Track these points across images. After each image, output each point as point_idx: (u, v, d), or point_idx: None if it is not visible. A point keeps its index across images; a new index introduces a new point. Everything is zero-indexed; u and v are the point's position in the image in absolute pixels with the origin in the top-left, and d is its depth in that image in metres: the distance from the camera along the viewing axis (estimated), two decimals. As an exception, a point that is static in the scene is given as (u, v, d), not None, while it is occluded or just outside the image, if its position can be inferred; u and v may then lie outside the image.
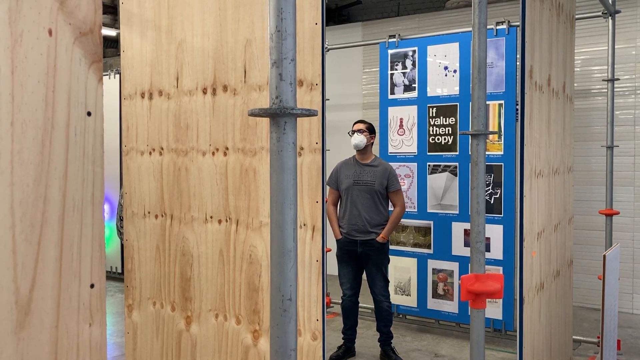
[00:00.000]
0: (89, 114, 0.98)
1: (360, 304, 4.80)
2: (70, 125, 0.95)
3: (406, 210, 5.47)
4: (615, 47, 5.02)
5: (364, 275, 4.70)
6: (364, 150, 4.57)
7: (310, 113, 1.25)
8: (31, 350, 0.89)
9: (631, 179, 6.04)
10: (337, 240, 4.63)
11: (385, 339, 4.66)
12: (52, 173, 0.92)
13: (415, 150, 5.47)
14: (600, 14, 4.99)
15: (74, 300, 0.96)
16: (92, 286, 0.98)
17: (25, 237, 0.88)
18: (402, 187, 5.59)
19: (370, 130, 4.61)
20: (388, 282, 4.67)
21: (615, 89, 5.24)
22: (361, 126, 4.59)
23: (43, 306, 0.91)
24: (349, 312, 4.69)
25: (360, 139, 4.52)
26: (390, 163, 5.58)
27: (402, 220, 5.48)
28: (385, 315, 4.61)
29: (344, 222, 4.58)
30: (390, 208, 4.71)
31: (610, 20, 4.89)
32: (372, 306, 4.81)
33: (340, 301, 4.77)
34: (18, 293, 0.87)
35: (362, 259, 4.58)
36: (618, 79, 5.09)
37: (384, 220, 4.56)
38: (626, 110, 6.06)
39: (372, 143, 4.63)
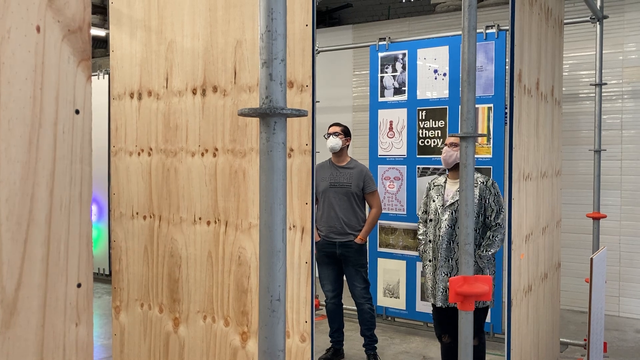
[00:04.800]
0: (77, 112, 0.97)
1: (347, 307, 4.78)
2: (58, 123, 0.94)
3: (396, 212, 5.49)
4: (603, 52, 5.06)
5: (345, 277, 4.71)
6: (339, 153, 4.61)
7: (300, 113, 1.25)
8: (16, 349, 0.88)
9: (618, 182, 6.09)
10: (316, 243, 4.63)
11: (369, 342, 4.63)
12: (40, 171, 0.91)
13: (405, 153, 5.49)
14: (588, 19, 5.04)
15: (61, 299, 0.95)
16: (79, 285, 0.98)
17: (11, 235, 0.87)
18: (391, 189, 5.59)
19: (346, 133, 4.65)
20: (369, 284, 4.65)
21: (602, 94, 5.28)
22: (337, 129, 4.62)
23: (29, 305, 0.90)
24: (333, 314, 4.71)
25: (336, 142, 4.55)
26: (379, 165, 5.62)
27: (392, 222, 5.49)
28: (368, 317, 4.59)
29: (322, 225, 4.59)
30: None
31: (598, 26, 4.93)
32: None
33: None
34: (3, 292, 0.86)
35: (341, 260, 4.60)
36: (605, 84, 5.13)
37: (362, 222, 4.59)
38: (613, 115, 6.12)
39: (348, 146, 4.67)
